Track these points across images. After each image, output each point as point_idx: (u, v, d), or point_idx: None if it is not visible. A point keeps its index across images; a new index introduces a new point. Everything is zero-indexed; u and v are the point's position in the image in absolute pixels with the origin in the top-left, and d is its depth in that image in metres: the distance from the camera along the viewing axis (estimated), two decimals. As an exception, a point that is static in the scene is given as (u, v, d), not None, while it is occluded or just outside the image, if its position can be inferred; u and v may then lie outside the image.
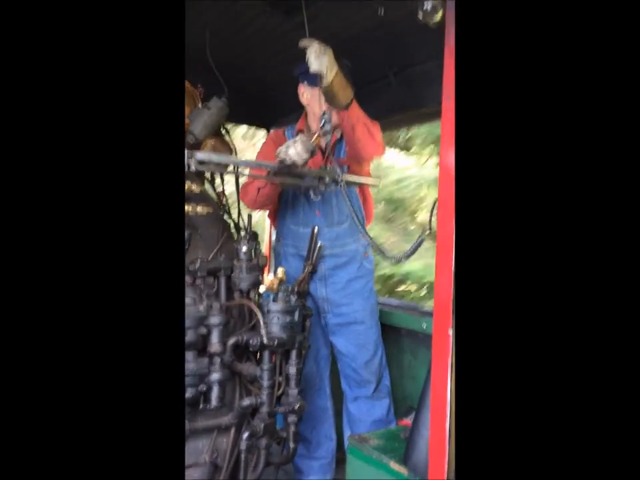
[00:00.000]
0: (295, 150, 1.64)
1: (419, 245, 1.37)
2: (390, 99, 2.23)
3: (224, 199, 2.00)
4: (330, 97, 1.68)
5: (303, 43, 1.66)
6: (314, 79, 1.81)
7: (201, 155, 1.34)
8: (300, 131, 2.02)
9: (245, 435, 1.59)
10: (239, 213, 2.01)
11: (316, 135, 1.72)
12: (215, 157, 1.37)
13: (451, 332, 0.93)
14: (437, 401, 0.98)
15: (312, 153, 1.68)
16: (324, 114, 1.68)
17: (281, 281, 1.67)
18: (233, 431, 1.77)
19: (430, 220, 1.28)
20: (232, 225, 1.96)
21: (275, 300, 1.64)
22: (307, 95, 1.96)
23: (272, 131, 2.19)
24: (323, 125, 1.66)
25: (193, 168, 1.32)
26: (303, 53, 1.74)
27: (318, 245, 1.85)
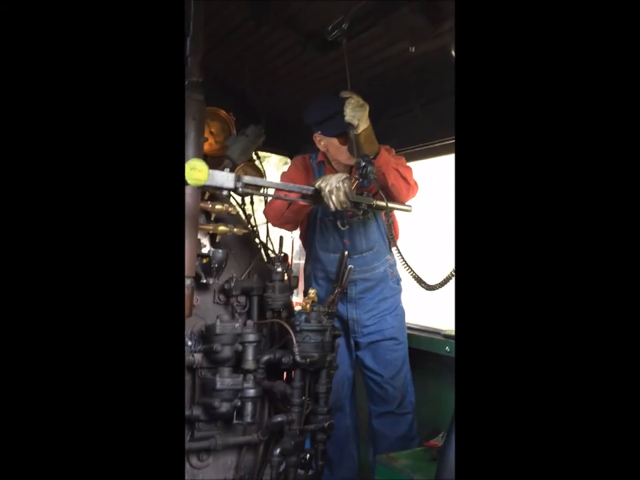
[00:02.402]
0: (336, 199, 1.68)
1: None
2: (416, 130, 2.32)
3: (253, 221, 2.08)
4: (356, 147, 1.74)
5: (344, 93, 1.74)
6: (327, 129, 1.88)
7: (247, 179, 1.42)
8: (322, 162, 2.09)
9: (277, 450, 1.62)
10: (268, 235, 2.08)
11: (355, 182, 1.76)
12: (259, 181, 1.44)
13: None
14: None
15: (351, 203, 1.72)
16: (361, 162, 1.68)
17: (313, 302, 1.74)
18: (261, 448, 1.81)
19: None
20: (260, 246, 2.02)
21: (307, 320, 1.70)
22: (324, 142, 1.97)
23: (297, 156, 2.25)
24: (364, 172, 1.66)
25: (240, 190, 1.40)
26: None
27: (348, 268, 1.91)
